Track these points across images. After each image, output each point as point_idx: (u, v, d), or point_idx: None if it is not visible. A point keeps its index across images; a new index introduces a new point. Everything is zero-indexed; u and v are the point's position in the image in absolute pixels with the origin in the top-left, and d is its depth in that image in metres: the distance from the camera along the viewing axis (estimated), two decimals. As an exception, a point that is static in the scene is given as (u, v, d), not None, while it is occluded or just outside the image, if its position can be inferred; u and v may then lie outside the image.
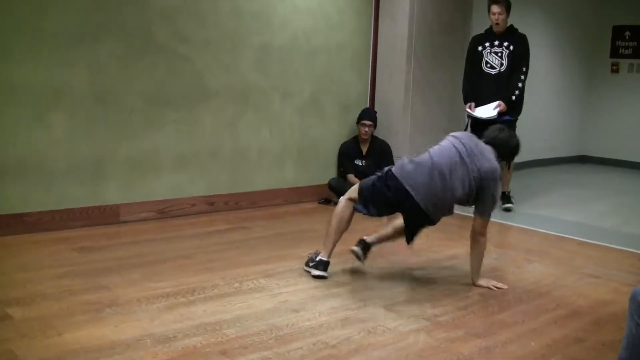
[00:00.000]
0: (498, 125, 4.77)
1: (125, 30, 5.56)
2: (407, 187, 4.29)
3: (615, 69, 10.92)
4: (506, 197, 7.11)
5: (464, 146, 4.37)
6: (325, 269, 4.52)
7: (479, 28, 8.00)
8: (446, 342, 3.52)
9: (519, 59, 6.82)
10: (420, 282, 4.55)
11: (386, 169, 4.50)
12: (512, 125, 6.80)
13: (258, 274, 4.49)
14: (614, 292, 4.46)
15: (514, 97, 6.75)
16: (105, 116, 5.52)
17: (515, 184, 7.73)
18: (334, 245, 4.56)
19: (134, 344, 3.29)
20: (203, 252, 4.98)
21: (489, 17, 6.88)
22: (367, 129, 7.01)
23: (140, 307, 3.80)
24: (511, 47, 6.81)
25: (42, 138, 5.23)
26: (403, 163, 4.44)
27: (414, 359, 3.31)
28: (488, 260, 5.05)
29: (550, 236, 6.05)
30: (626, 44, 10.74)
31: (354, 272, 4.65)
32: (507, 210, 7.02)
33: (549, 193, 8.24)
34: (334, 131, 7.24)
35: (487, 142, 4.50)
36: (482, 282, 4.51)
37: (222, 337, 3.42)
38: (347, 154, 7.13)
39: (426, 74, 7.38)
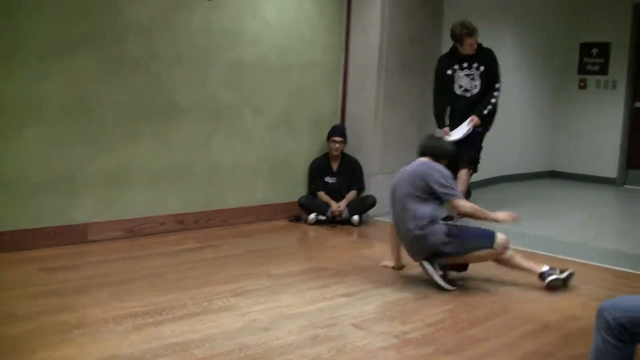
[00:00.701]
0: (426, 135, 5.23)
1: (101, 44, 5.52)
2: None
3: (583, 85, 11.04)
4: None
5: (396, 197, 4.89)
6: None
7: (449, 40, 8.05)
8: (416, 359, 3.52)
9: (492, 77, 6.89)
10: (389, 298, 4.53)
11: None
12: (482, 136, 6.89)
13: (227, 293, 4.45)
14: (583, 307, 4.48)
15: (485, 112, 6.81)
16: (80, 130, 5.47)
17: (486, 198, 7.77)
18: None
19: (100, 366, 3.25)
20: (172, 271, 4.93)
21: (461, 47, 6.87)
22: (337, 145, 7.01)
23: (108, 327, 3.75)
24: (481, 68, 6.86)
25: (17, 152, 5.17)
26: None
27: (384, 377, 3.30)
28: (459, 275, 5.05)
29: (520, 251, 6.04)
30: (593, 61, 10.87)
31: (323, 290, 4.63)
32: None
33: (519, 208, 8.25)
34: (306, 148, 7.23)
35: (420, 154, 4.95)
36: (499, 215, 4.85)
37: (190, 358, 3.39)
38: (318, 170, 7.13)
39: (397, 88, 7.39)
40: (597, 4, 10.75)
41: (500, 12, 9.36)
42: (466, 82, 6.90)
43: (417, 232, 4.67)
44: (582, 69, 11.04)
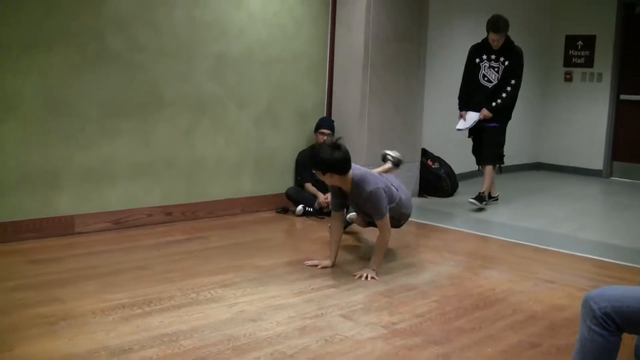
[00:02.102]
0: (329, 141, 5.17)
1: (79, 38, 5.48)
2: None
3: (568, 78, 11.08)
4: (480, 197, 7.35)
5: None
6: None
7: (434, 36, 8.09)
8: (404, 350, 3.53)
9: (510, 73, 7.20)
10: (376, 290, 4.54)
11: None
12: (498, 131, 7.33)
13: (215, 284, 4.46)
14: (568, 297, 4.52)
15: (494, 104, 7.12)
16: (58, 126, 5.44)
17: (473, 190, 7.77)
18: None
19: (88, 357, 3.24)
20: (159, 263, 4.93)
21: (488, 37, 7.26)
22: (326, 137, 6.99)
23: (95, 319, 3.75)
24: (506, 63, 7.27)
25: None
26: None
27: (372, 367, 3.31)
28: (445, 267, 5.10)
29: (506, 243, 6.10)
30: (579, 53, 10.91)
31: (310, 281, 4.64)
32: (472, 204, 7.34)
33: (506, 200, 8.31)
34: (291, 140, 7.23)
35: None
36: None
37: (178, 349, 3.39)
38: (305, 162, 7.12)
39: (383, 82, 7.41)
40: (582, -3, 10.81)
41: (486, 4, 9.36)
42: (490, 73, 7.22)
43: None
44: (568, 62, 11.08)
